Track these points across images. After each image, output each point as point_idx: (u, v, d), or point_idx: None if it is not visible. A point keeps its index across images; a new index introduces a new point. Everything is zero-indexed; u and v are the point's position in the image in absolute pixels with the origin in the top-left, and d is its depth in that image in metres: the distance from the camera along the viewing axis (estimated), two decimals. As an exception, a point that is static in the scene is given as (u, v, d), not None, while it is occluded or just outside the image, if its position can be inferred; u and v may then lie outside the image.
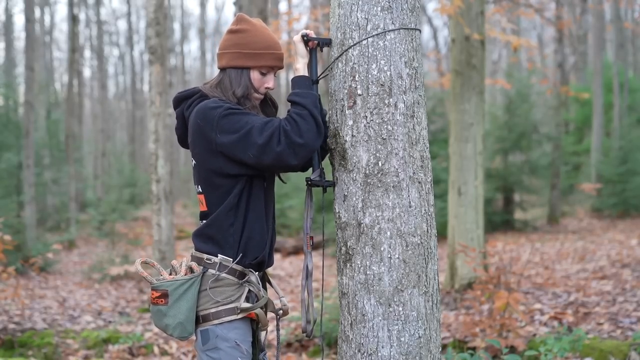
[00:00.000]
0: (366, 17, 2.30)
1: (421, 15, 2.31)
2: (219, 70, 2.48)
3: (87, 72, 35.97)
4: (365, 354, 2.29)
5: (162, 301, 2.31)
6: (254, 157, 2.25)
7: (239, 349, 2.33)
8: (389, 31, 2.30)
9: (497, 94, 21.61)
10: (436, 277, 2.38)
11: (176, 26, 33.85)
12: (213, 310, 2.33)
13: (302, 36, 2.40)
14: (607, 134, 17.51)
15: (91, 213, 14.48)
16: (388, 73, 2.30)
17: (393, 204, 2.28)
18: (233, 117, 2.29)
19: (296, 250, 12.50)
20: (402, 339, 2.28)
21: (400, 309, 2.27)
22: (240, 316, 2.34)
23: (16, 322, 6.69)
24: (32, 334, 6.02)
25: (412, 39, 2.34)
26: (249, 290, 2.38)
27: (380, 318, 2.27)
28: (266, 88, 2.46)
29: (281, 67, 2.47)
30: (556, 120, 15.72)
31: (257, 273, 2.44)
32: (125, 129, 35.31)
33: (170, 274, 2.38)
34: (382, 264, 2.27)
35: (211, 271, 2.35)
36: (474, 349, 5.02)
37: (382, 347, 2.28)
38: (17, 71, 19.90)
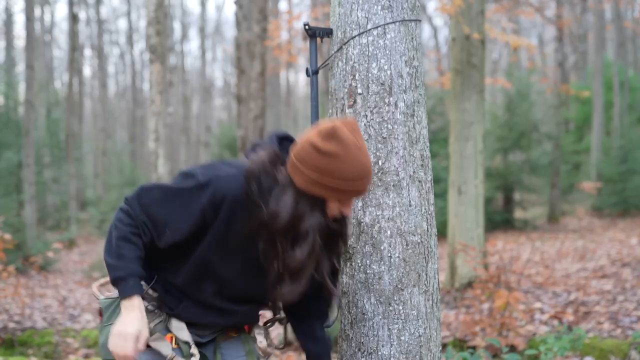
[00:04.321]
0: (366, 15, 2.30)
1: (421, 14, 2.29)
2: (284, 171, 1.95)
3: (87, 71, 36.00)
4: (365, 352, 2.29)
5: (99, 318, 2.12)
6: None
7: None
8: (388, 24, 2.29)
9: (498, 93, 21.60)
10: (436, 276, 2.38)
11: (176, 25, 33.84)
12: None
13: (303, 25, 2.38)
14: (608, 132, 17.51)
15: (91, 212, 14.50)
16: (388, 72, 2.30)
17: (393, 202, 2.28)
18: (170, 191, 1.95)
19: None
20: (402, 337, 2.28)
21: (401, 307, 2.27)
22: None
23: (16, 321, 6.69)
24: (32, 333, 6.02)
25: (412, 38, 2.34)
26: (162, 321, 2.07)
27: (380, 317, 2.27)
28: (342, 215, 2.01)
29: (365, 192, 2.00)
30: (556, 119, 15.72)
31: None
32: (125, 127, 35.31)
33: None
34: (382, 262, 2.27)
35: None
36: (474, 348, 5.03)
37: (382, 346, 2.28)
38: (17, 70, 19.88)
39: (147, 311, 2.02)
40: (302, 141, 1.91)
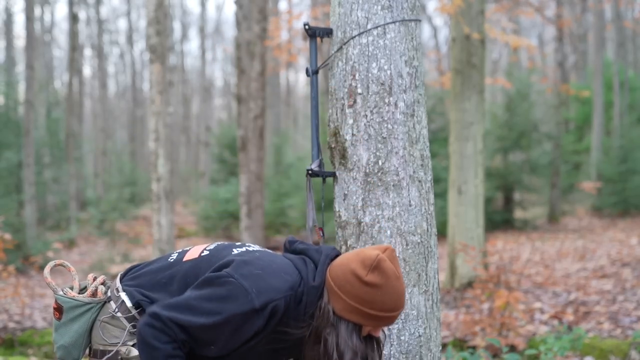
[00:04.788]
0: (366, 15, 2.30)
1: (421, 14, 2.29)
2: (325, 299, 1.98)
3: (87, 71, 35.97)
4: (365, 352, 2.29)
5: (56, 315, 2.07)
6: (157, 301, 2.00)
7: None
8: (388, 24, 2.29)
9: (498, 93, 21.61)
10: (436, 276, 2.38)
11: (176, 25, 33.84)
12: (102, 347, 2.04)
13: (303, 25, 2.38)
14: (608, 132, 17.50)
15: (91, 212, 14.49)
16: (388, 72, 2.30)
17: (393, 202, 2.28)
18: (211, 306, 1.87)
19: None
20: (402, 337, 2.28)
21: (401, 307, 2.27)
22: None
23: (16, 320, 6.69)
24: (32, 333, 6.02)
25: (412, 38, 2.34)
26: None
27: (380, 317, 2.27)
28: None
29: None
30: (556, 119, 15.71)
31: None
32: (125, 127, 35.31)
33: (82, 290, 2.13)
34: (382, 262, 2.27)
35: (112, 305, 2.06)
36: (474, 347, 5.03)
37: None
38: (17, 70, 19.88)
39: (129, 332, 2.02)
40: (344, 269, 1.95)
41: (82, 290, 2.14)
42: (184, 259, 2.08)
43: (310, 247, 2.07)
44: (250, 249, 2.08)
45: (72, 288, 2.11)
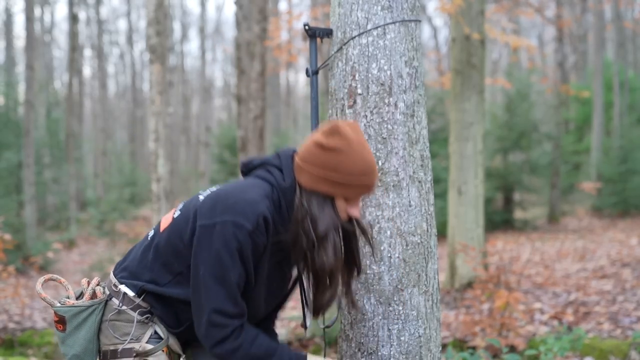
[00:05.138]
0: (366, 16, 2.30)
1: (421, 14, 2.29)
2: (292, 176, 2.00)
3: (87, 71, 35.97)
4: (365, 353, 2.29)
5: (60, 327, 2.03)
6: (193, 314, 1.96)
7: None
8: (388, 24, 2.30)
9: (497, 93, 21.61)
10: (436, 277, 2.38)
11: (176, 25, 33.83)
12: (112, 347, 2.02)
13: (303, 26, 2.38)
14: (608, 133, 17.50)
15: (91, 212, 14.49)
16: (388, 72, 2.30)
17: (393, 203, 2.28)
18: (225, 259, 1.88)
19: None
20: (402, 338, 2.28)
21: (400, 308, 2.27)
22: None
23: (16, 321, 6.69)
24: (32, 333, 6.02)
25: (412, 38, 2.34)
26: (156, 332, 2.04)
27: (380, 317, 2.27)
28: (351, 217, 2.03)
29: (373, 192, 2.07)
30: (556, 119, 15.71)
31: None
32: (125, 128, 35.32)
33: (79, 297, 2.09)
34: (382, 263, 2.27)
35: (115, 301, 2.04)
36: (474, 348, 5.03)
37: (382, 346, 2.28)
38: (17, 70, 19.89)
39: (138, 322, 2.01)
40: (307, 145, 1.98)
41: (79, 297, 2.10)
42: (161, 230, 2.07)
43: (267, 157, 2.07)
44: (214, 188, 2.08)
45: (68, 297, 2.08)
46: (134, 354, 2.00)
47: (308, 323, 2.21)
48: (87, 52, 33.06)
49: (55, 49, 33.60)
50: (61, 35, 34.81)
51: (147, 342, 2.01)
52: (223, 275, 1.88)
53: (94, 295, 2.08)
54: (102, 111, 26.66)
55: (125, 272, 2.08)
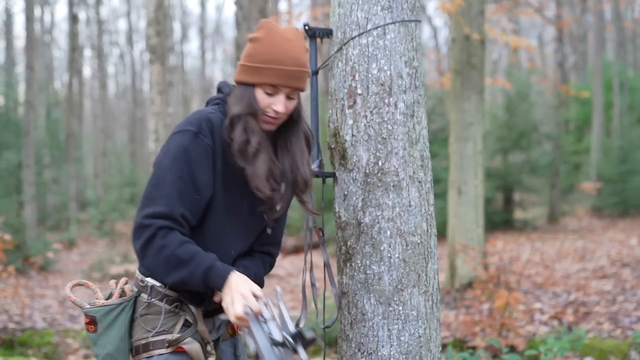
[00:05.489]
0: (366, 16, 2.30)
1: (421, 14, 2.28)
2: None
3: (87, 72, 35.97)
4: (365, 353, 2.29)
5: (91, 328, 2.04)
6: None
7: None
8: (388, 24, 2.30)
9: (497, 93, 21.61)
10: (436, 277, 2.38)
11: (176, 25, 33.84)
12: (144, 341, 2.03)
13: (303, 26, 2.38)
14: (607, 133, 17.51)
15: (91, 212, 14.50)
16: (388, 72, 2.30)
17: (393, 203, 2.28)
18: (164, 163, 1.93)
19: (296, 250, 12.50)
20: (402, 338, 2.28)
21: (400, 308, 2.27)
22: (169, 350, 2.01)
23: (16, 321, 6.69)
24: (32, 333, 6.02)
25: (412, 39, 2.35)
26: (186, 320, 2.05)
27: (380, 317, 2.27)
28: (275, 111, 2.03)
29: (295, 88, 2.03)
30: (556, 119, 15.72)
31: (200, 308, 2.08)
32: (125, 128, 35.30)
33: (107, 298, 2.11)
34: (382, 263, 2.27)
35: (144, 295, 2.05)
36: (474, 348, 5.03)
37: (382, 347, 2.28)
38: (17, 70, 19.89)
39: (167, 312, 2.03)
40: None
41: (108, 298, 2.12)
42: None
43: (223, 82, 2.17)
44: None
45: (97, 299, 2.10)
46: (166, 344, 2.00)
47: (302, 324, 2.26)
48: (87, 52, 33.07)
49: (55, 49, 33.62)
50: (61, 35, 34.83)
51: (177, 334, 2.02)
52: (160, 179, 1.92)
53: (122, 293, 2.09)
54: (102, 111, 26.67)
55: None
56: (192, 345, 2.03)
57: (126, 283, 2.14)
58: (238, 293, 1.85)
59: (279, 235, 2.26)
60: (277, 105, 2.02)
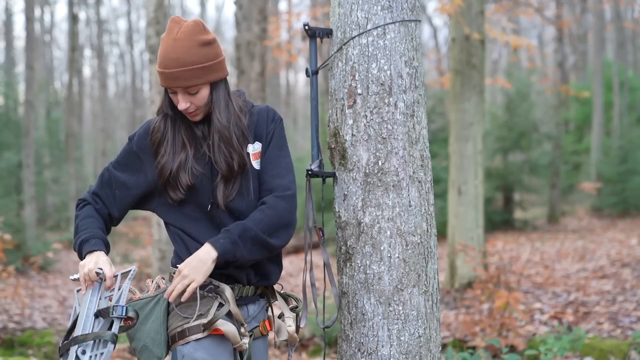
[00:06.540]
0: (366, 16, 2.31)
1: (421, 14, 2.26)
2: None
3: (87, 71, 35.93)
4: (365, 353, 2.30)
5: (129, 322, 2.09)
6: None
7: None
8: (388, 24, 2.30)
9: (497, 93, 21.59)
10: (436, 277, 2.38)
11: (176, 25, 33.74)
12: (179, 329, 2.08)
13: (303, 26, 2.38)
14: (607, 133, 17.50)
15: (91, 212, 14.44)
16: (388, 72, 2.30)
17: (393, 203, 2.28)
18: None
19: (296, 250, 12.50)
20: (402, 338, 2.28)
21: (400, 308, 2.27)
22: (206, 333, 2.06)
23: (16, 321, 6.69)
24: (32, 333, 6.02)
25: (412, 38, 2.35)
26: (220, 304, 2.09)
27: (380, 317, 2.28)
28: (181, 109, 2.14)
29: (182, 87, 2.09)
30: (556, 119, 15.71)
31: (233, 286, 2.15)
32: (125, 128, 35.28)
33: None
34: (382, 263, 2.27)
35: None
36: (473, 348, 5.03)
37: (382, 346, 2.28)
38: (17, 70, 19.87)
39: (202, 297, 2.09)
40: None
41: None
42: None
43: None
44: None
45: (134, 293, 2.20)
46: (202, 328, 2.05)
47: (302, 324, 2.29)
48: (87, 52, 33.06)
49: (55, 49, 33.61)
50: (61, 35, 34.82)
51: (215, 314, 2.07)
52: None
53: (158, 286, 2.18)
54: (102, 111, 26.66)
55: (175, 258, 2.20)
56: (227, 327, 2.06)
57: (162, 278, 2.21)
58: (81, 265, 2.08)
59: (268, 183, 2.20)
60: (180, 103, 2.13)
